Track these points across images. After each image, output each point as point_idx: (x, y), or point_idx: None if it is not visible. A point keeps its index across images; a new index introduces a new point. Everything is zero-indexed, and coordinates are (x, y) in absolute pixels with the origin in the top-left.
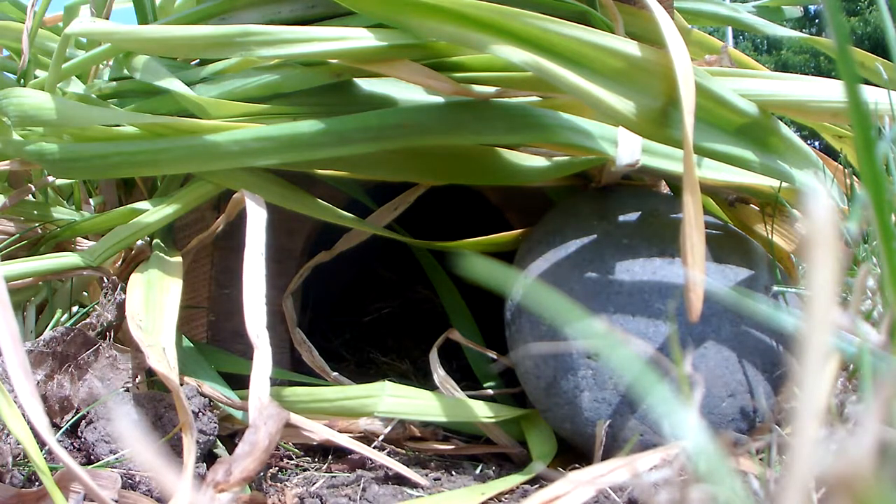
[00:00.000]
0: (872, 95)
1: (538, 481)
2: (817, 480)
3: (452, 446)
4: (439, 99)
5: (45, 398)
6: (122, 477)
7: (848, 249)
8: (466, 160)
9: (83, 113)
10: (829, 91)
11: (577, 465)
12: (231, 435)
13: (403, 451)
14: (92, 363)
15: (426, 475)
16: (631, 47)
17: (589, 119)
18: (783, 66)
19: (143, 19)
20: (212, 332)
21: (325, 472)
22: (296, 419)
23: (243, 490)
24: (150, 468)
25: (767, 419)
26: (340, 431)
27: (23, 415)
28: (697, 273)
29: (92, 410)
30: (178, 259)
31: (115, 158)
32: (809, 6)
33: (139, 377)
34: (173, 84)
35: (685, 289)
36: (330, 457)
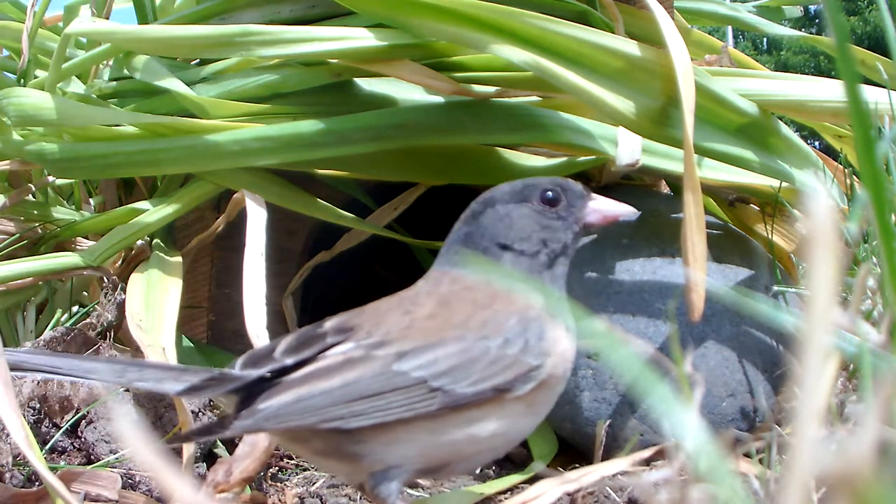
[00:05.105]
0: (872, 95)
1: (538, 481)
2: (817, 480)
3: None
4: (439, 99)
5: (45, 398)
6: (122, 477)
7: (848, 249)
8: (466, 160)
9: (83, 113)
10: (829, 91)
11: (577, 465)
12: None
13: None
14: None
15: None
16: (631, 47)
17: (589, 119)
18: (783, 66)
19: (143, 19)
20: (212, 331)
21: (325, 472)
22: None
23: (244, 490)
24: (150, 468)
25: (767, 419)
26: None
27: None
28: (699, 273)
29: (92, 410)
30: (178, 259)
31: (115, 158)
32: (809, 6)
33: None
34: (173, 84)
35: (687, 288)
36: None
